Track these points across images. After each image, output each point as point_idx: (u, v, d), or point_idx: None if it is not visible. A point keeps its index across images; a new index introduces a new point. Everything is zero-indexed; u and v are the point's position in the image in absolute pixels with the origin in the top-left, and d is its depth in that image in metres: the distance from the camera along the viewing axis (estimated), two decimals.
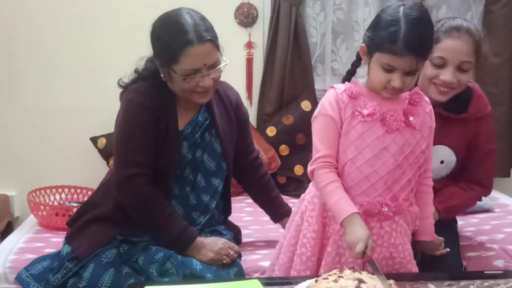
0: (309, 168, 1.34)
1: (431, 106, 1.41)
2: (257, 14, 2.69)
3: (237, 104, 1.67)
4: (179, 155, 1.54)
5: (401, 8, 1.27)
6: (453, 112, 1.64)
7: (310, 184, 1.42)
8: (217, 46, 1.47)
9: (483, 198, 2.38)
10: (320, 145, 1.33)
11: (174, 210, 1.54)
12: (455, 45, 1.54)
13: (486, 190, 1.74)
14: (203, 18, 1.48)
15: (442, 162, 1.68)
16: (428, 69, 1.55)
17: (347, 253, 1.33)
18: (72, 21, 2.62)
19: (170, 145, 1.52)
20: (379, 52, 1.28)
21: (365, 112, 1.30)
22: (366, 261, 1.24)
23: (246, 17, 2.69)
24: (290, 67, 2.66)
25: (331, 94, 1.35)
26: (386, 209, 1.32)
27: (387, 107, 1.32)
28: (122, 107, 1.54)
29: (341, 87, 1.35)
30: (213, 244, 1.52)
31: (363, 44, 1.34)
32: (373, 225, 1.33)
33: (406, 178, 1.34)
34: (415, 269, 1.38)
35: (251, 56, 2.72)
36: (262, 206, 1.84)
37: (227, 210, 1.75)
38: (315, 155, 1.34)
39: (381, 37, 1.27)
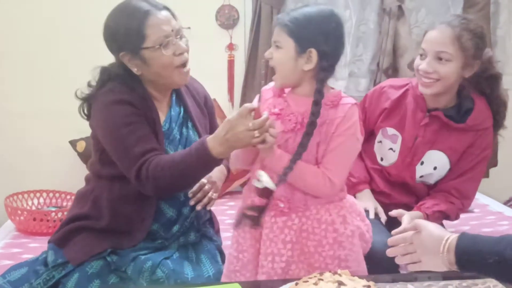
0: None
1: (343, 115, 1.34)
2: (238, 16, 2.69)
3: (205, 97, 1.66)
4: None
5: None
6: (452, 119, 1.65)
7: None
8: (174, 15, 1.46)
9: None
10: None
11: (174, 153, 1.44)
12: (433, 35, 1.60)
13: (466, 201, 1.74)
14: None
15: (435, 168, 1.70)
16: (416, 60, 1.64)
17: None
18: (49, 24, 2.59)
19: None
20: None
21: (274, 110, 1.35)
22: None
23: (227, 19, 2.68)
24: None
25: None
26: (282, 205, 1.34)
27: (293, 109, 1.34)
28: (100, 112, 1.45)
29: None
30: (232, 135, 1.29)
31: None
32: (268, 219, 1.35)
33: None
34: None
35: (232, 58, 2.72)
36: None
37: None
38: None
39: None
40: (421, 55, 1.62)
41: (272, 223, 1.35)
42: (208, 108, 1.65)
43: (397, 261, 1.18)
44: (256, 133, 1.26)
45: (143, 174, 1.38)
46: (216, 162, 1.35)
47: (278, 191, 1.30)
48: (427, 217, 1.62)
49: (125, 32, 1.41)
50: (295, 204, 1.35)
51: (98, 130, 1.48)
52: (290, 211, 1.35)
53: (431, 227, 1.12)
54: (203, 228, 1.64)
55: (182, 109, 1.56)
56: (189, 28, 1.49)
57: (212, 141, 1.32)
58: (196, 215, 1.59)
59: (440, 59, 1.58)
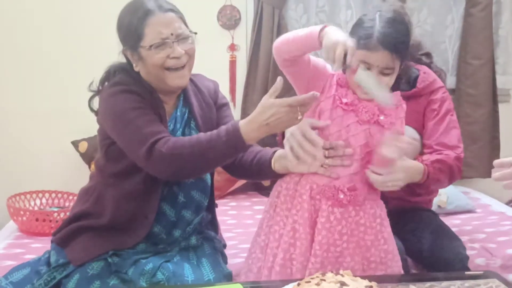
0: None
1: (404, 114, 1.43)
2: (240, 16, 2.69)
3: (215, 91, 1.64)
4: None
5: (378, 12, 1.38)
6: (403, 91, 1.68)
7: None
8: (181, 18, 1.46)
9: (463, 197, 2.43)
10: None
11: (197, 135, 1.42)
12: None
13: (457, 149, 1.65)
14: None
15: None
16: None
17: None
18: (52, 23, 2.59)
19: None
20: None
21: (344, 100, 1.37)
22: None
23: (229, 20, 2.69)
24: (273, 69, 2.67)
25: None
26: (341, 196, 1.35)
27: (364, 102, 1.37)
28: (107, 100, 1.45)
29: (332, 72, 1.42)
30: (264, 115, 1.28)
31: None
32: (325, 208, 1.36)
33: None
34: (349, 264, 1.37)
35: (234, 59, 2.72)
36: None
37: (211, 207, 1.67)
38: None
39: (357, 35, 1.35)
40: None
41: (329, 212, 1.36)
42: (219, 100, 1.62)
43: (505, 187, 1.15)
44: (300, 115, 1.27)
45: (155, 152, 1.34)
46: (245, 148, 1.33)
47: (341, 182, 1.35)
48: (428, 170, 1.53)
49: (126, 28, 1.44)
50: (355, 198, 1.36)
51: (104, 119, 1.47)
52: (349, 204, 1.36)
53: None
54: (205, 230, 1.64)
55: (187, 110, 1.55)
56: (195, 33, 1.48)
57: (247, 126, 1.30)
58: (199, 221, 1.58)
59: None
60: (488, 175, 2.83)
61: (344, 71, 1.35)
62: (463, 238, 1.95)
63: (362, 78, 1.30)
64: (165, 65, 1.43)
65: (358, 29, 1.38)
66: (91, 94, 1.54)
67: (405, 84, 1.71)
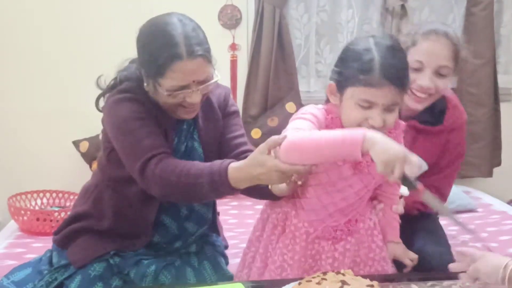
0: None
1: (403, 141, 1.34)
2: (240, 16, 2.68)
3: (225, 99, 1.57)
4: None
5: (371, 39, 1.19)
6: (428, 124, 1.59)
7: None
8: (209, 60, 1.36)
9: (465, 196, 2.43)
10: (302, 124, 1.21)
11: (193, 163, 1.37)
12: (434, 47, 1.50)
13: (443, 199, 1.66)
14: (195, 28, 1.35)
15: None
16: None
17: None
18: (52, 23, 2.59)
19: None
20: (352, 86, 1.16)
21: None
22: (419, 196, 1.12)
23: (230, 19, 2.68)
24: (274, 69, 2.66)
25: (315, 110, 1.26)
26: (339, 233, 1.33)
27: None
28: (111, 107, 1.40)
29: (320, 111, 1.26)
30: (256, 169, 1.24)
31: (331, 82, 1.22)
32: (328, 248, 1.33)
33: (364, 203, 1.34)
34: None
35: (235, 58, 2.72)
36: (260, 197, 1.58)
37: (213, 214, 1.65)
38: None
39: (353, 69, 1.16)
40: (413, 68, 1.48)
41: (332, 251, 1.32)
42: (228, 107, 1.56)
43: (461, 277, 1.17)
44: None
45: (149, 169, 1.31)
46: (231, 192, 1.31)
47: (338, 222, 1.31)
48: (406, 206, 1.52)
49: (149, 57, 1.35)
50: (351, 228, 1.34)
51: (107, 124, 1.43)
52: (347, 236, 1.33)
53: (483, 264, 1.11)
54: (205, 232, 1.62)
55: (193, 121, 1.50)
56: (216, 81, 1.40)
57: (237, 173, 1.26)
58: (201, 233, 1.57)
59: (439, 73, 1.51)
60: (490, 174, 2.83)
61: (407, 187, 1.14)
62: (465, 237, 1.95)
63: (429, 199, 1.16)
64: (179, 104, 1.38)
65: (352, 64, 1.17)
66: (91, 94, 1.51)
67: (428, 114, 1.58)
